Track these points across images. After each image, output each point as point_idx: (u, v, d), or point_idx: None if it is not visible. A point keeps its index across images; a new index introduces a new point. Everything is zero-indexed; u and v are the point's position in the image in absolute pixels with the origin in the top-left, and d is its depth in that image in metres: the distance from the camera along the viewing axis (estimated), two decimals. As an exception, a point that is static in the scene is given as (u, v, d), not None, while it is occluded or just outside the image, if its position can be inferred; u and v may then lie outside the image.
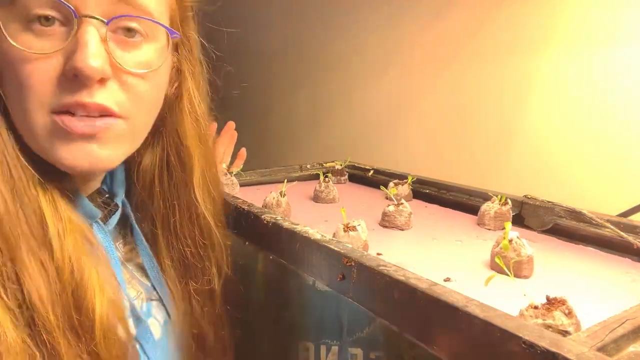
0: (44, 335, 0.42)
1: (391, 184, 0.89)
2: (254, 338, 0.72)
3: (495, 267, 0.55)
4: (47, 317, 0.43)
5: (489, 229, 0.72)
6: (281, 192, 0.76)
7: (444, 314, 0.40)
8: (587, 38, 0.93)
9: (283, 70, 1.86)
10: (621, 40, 0.89)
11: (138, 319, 0.55)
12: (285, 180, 0.84)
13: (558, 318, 0.39)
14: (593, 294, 0.51)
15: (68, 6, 0.43)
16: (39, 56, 0.43)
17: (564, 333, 0.38)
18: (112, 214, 0.57)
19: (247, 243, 0.71)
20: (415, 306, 0.43)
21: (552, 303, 0.40)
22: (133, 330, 0.53)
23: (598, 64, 0.92)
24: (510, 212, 0.72)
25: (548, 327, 0.38)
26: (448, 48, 1.21)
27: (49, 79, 0.44)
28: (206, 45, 0.62)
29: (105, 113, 0.46)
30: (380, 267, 0.47)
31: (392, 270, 0.46)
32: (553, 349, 0.33)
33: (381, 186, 0.88)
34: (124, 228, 0.60)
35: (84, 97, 0.44)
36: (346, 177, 1.05)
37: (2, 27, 0.43)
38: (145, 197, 0.60)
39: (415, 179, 0.90)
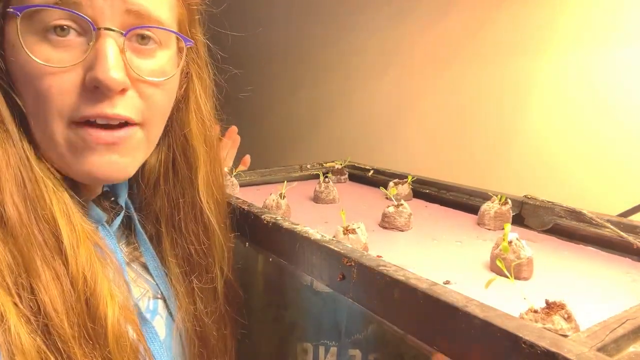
0: (59, 344, 0.43)
1: (391, 184, 0.89)
2: (253, 338, 0.72)
3: (495, 269, 0.55)
4: (61, 326, 0.43)
5: (489, 229, 0.72)
6: (281, 194, 0.76)
7: (444, 314, 0.40)
8: (587, 38, 0.94)
9: (283, 70, 1.86)
10: (621, 40, 0.89)
11: (144, 320, 0.55)
12: (285, 182, 0.84)
13: (557, 322, 0.39)
14: (593, 294, 0.51)
15: (86, 19, 0.43)
16: (58, 69, 0.44)
17: (563, 337, 0.38)
18: (116, 216, 0.57)
19: (247, 244, 0.71)
20: (415, 306, 0.43)
21: (552, 307, 0.40)
22: (142, 333, 0.54)
23: (598, 64, 0.92)
24: (510, 212, 0.72)
25: (547, 331, 0.38)
26: (448, 48, 1.21)
27: (68, 91, 0.44)
28: (212, 47, 0.62)
29: (125, 122, 0.47)
30: (380, 267, 0.47)
31: (392, 270, 0.46)
32: (553, 349, 0.33)
33: (381, 187, 0.88)
34: (127, 228, 0.61)
35: (105, 108, 0.45)
36: (346, 176, 1.05)
37: (22, 41, 0.43)
38: (150, 195, 0.61)
39: (415, 178, 0.90)
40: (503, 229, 0.57)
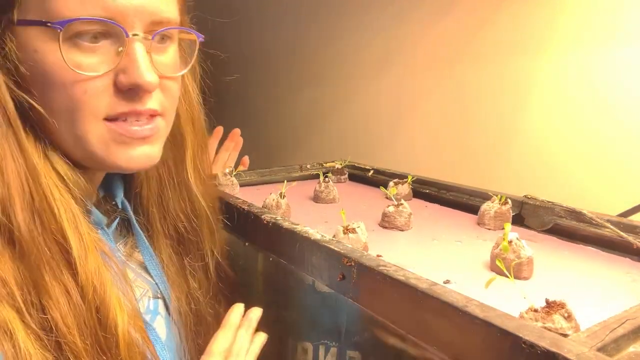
0: (71, 359, 0.44)
1: (391, 184, 0.89)
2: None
3: (495, 268, 0.55)
4: (73, 341, 0.44)
5: (489, 229, 0.72)
6: (281, 193, 0.76)
7: (444, 314, 0.40)
8: (587, 38, 0.94)
9: (284, 70, 1.86)
10: (621, 40, 0.89)
11: (145, 323, 0.55)
12: (285, 182, 0.84)
13: (557, 321, 0.39)
14: (593, 294, 0.51)
15: (121, 27, 0.46)
16: (93, 76, 0.46)
17: (564, 337, 0.38)
18: (115, 218, 0.58)
19: (246, 243, 0.71)
20: (415, 306, 0.43)
21: (552, 306, 0.40)
22: (149, 337, 0.54)
23: (598, 64, 0.92)
24: (510, 211, 0.72)
25: (547, 330, 0.38)
26: (448, 49, 1.21)
27: (102, 93, 0.47)
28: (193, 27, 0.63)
29: (153, 115, 0.51)
30: (380, 267, 0.47)
31: (392, 270, 0.46)
32: (553, 349, 0.33)
33: (381, 187, 0.88)
34: (123, 226, 0.61)
35: (137, 105, 0.49)
36: (346, 176, 1.05)
37: (62, 53, 0.44)
38: (142, 178, 0.62)
39: (415, 178, 0.90)
40: (503, 228, 0.57)
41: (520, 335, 0.34)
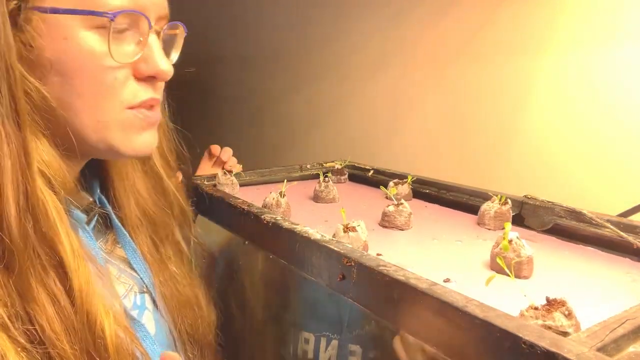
0: None
1: (391, 184, 0.89)
2: (254, 334, 0.72)
3: (495, 268, 0.55)
4: (62, 347, 0.43)
5: (489, 229, 0.72)
6: (281, 192, 0.76)
7: (444, 314, 0.40)
8: (587, 38, 0.94)
9: (284, 70, 1.86)
10: (621, 40, 0.89)
11: (132, 320, 0.55)
12: (285, 181, 0.84)
13: (558, 319, 0.39)
14: (593, 294, 0.51)
15: (147, 19, 0.50)
16: (120, 65, 0.49)
17: (564, 334, 0.38)
18: (94, 216, 0.57)
19: (246, 243, 0.71)
20: (415, 306, 0.43)
21: (552, 304, 0.40)
22: (137, 336, 0.54)
23: (598, 64, 0.92)
24: (510, 212, 0.72)
25: (548, 328, 0.38)
26: (448, 48, 1.21)
27: (126, 82, 0.50)
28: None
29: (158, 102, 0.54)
30: (380, 267, 0.47)
31: (392, 270, 0.46)
32: (553, 349, 0.33)
33: (381, 186, 0.88)
34: (102, 223, 0.61)
35: (156, 94, 0.53)
36: (346, 176, 1.05)
37: (110, 41, 0.47)
38: (114, 168, 0.62)
39: (415, 178, 0.90)
40: (503, 228, 0.57)
41: (520, 335, 0.34)
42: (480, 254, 0.61)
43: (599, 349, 0.35)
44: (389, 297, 0.45)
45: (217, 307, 0.71)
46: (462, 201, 0.82)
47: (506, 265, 0.51)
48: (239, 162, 1.01)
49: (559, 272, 0.57)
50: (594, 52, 0.93)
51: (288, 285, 0.66)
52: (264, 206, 0.75)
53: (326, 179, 0.89)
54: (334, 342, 0.58)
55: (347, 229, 0.60)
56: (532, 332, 0.35)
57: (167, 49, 0.57)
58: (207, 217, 0.83)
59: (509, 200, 0.73)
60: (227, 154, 1.00)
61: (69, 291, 0.45)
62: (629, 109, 0.89)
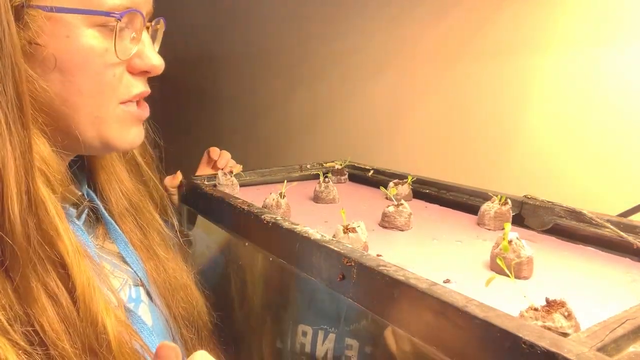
0: None
1: (391, 184, 0.89)
2: (252, 328, 0.72)
3: (495, 268, 0.55)
4: (63, 347, 0.43)
5: (489, 229, 0.72)
6: (281, 193, 0.76)
7: (444, 314, 0.40)
8: (587, 37, 0.94)
9: (283, 69, 1.86)
10: (621, 40, 0.89)
11: (129, 312, 0.55)
12: (285, 181, 0.84)
13: (557, 320, 0.39)
14: (593, 294, 0.51)
15: (143, 17, 0.52)
16: (119, 61, 0.51)
17: (564, 335, 0.38)
18: (83, 210, 0.58)
19: (246, 243, 0.71)
20: (415, 306, 0.43)
21: (552, 305, 0.40)
22: (134, 329, 0.54)
23: (598, 63, 0.92)
24: (510, 212, 0.72)
25: (547, 329, 0.38)
26: (448, 48, 1.21)
27: (122, 76, 0.52)
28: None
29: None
30: (380, 267, 0.47)
31: (392, 270, 0.46)
32: (553, 349, 0.33)
33: (381, 187, 0.88)
34: (92, 218, 0.61)
35: (146, 87, 0.55)
36: (346, 176, 1.05)
37: (116, 39, 0.49)
38: (97, 160, 0.63)
39: (415, 178, 0.90)
40: (503, 229, 0.57)
41: (520, 335, 0.34)
42: (480, 254, 0.61)
43: (599, 349, 0.35)
44: (389, 297, 0.45)
45: (202, 290, 0.72)
46: (462, 201, 0.82)
47: (506, 265, 0.51)
48: (238, 163, 1.01)
49: (559, 272, 0.57)
50: (594, 52, 0.93)
51: (286, 279, 0.66)
52: (264, 207, 0.75)
53: (326, 179, 0.89)
54: (331, 336, 0.58)
55: (347, 229, 0.60)
56: (532, 332, 0.35)
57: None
58: (207, 217, 0.83)
59: (509, 200, 0.73)
60: (224, 159, 0.99)
61: (71, 290, 0.45)
62: (629, 109, 0.89)
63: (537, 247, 0.63)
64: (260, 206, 0.72)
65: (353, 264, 0.49)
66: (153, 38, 0.58)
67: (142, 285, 0.61)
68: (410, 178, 0.90)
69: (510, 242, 0.54)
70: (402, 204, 0.72)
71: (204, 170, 1.00)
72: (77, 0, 0.48)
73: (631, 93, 0.88)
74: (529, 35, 1.02)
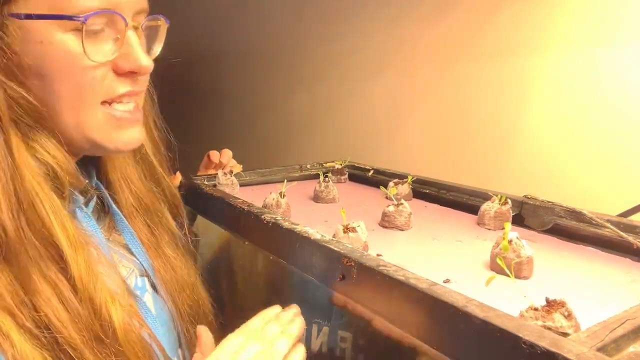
0: (70, 353, 0.44)
1: (391, 184, 0.89)
2: (248, 312, 0.72)
3: (495, 268, 0.55)
4: (69, 335, 0.44)
5: (489, 229, 0.72)
6: (281, 192, 0.76)
7: (444, 314, 0.40)
8: (587, 38, 0.94)
9: (283, 69, 1.86)
10: (621, 40, 0.89)
11: (135, 297, 0.56)
12: (285, 181, 0.84)
13: (557, 320, 0.39)
14: (593, 294, 0.51)
15: (123, 18, 0.50)
16: (98, 64, 0.49)
17: (564, 335, 0.38)
18: (91, 198, 0.58)
19: (246, 243, 0.71)
20: (415, 306, 0.43)
21: (552, 305, 0.40)
22: (142, 316, 0.55)
23: (598, 63, 0.92)
24: (510, 211, 0.72)
25: (548, 329, 0.38)
26: (448, 48, 1.21)
27: (104, 79, 0.51)
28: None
29: (139, 96, 0.55)
30: (380, 267, 0.47)
31: (392, 270, 0.46)
32: (553, 349, 0.33)
33: (381, 186, 0.88)
34: (100, 209, 0.62)
35: (135, 87, 0.54)
36: (346, 176, 1.05)
37: (84, 45, 0.48)
38: (107, 159, 0.63)
39: (415, 178, 0.90)
40: (503, 228, 0.57)
41: (520, 335, 0.34)
42: (480, 254, 0.61)
43: (599, 349, 0.35)
44: (389, 297, 0.45)
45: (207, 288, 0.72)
46: (462, 201, 0.82)
47: (506, 265, 0.51)
48: (238, 163, 1.01)
49: (559, 272, 0.57)
50: (594, 52, 0.93)
51: (278, 275, 0.66)
52: (264, 207, 0.75)
53: (326, 179, 0.89)
54: (325, 329, 0.58)
55: (347, 229, 0.60)
56: (532, 332, 0.35)
57: (149, 42, 0.58)
58: (207, 217, 0.83)
59: (509, 200, 0.73)
60: (226, 156, 0.99)
61: (70, 280, 0.46)
62: (629, 109, 0.89)
63: (537, 247, 0.63)
64: (260, 206, 0.72)
65: (353, 264, 0.49)
66: (150, 36, 0.56)
67: (147, 275, 0.62)
68: (410, 178, 0.90)
69: (510, 242, 0.54)
70: (402, 204, 0.72)
71: (204, 173, 1.00)
72: (48, 5, 0.47)
73: (631, 93, 0.88)
74: (528, 36, 1.02)
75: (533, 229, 0.72)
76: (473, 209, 0.78)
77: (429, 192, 0.89)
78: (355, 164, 1.07)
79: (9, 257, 0.43)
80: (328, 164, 1.09)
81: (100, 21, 0.49)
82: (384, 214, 0.72)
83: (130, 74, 0.52)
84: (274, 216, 0.64)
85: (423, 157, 1.30)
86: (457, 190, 0.84)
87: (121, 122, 0.53)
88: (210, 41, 2.21)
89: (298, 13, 1.74)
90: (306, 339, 0.60)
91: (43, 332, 0.43)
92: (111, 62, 0.51)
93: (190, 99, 2.42)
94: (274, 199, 0.75)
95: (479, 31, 1.13)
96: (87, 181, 0.58)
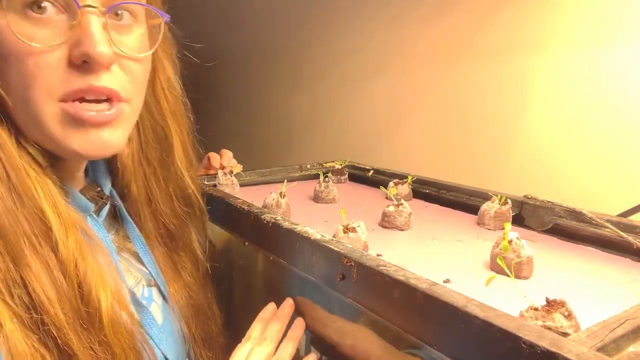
0: (54, 333, 0.43)
1: (391, 184, 0.89)
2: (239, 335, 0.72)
3: (495, 268, 0.55)
4: (56, 315, 0.43)
5: (489, 229, 0.72)
6: (281, 192, 0.76)
7: (444, 314, 0.40)
8: (587, 38, 0.94)
9: (283, 69, 1.86)
10: (621, 40, 0.89)
11: (140, 307, 0.56)
12: (285, 181, 0.84)
13: (558, 320, 0.39)
14: (593, 294, 0.51)
15: (76, 3, 0.44)
16: (45, 48, 0.44)
17: (564, 335, 0.38)
18: (103, 206, 0.58)
19: (246, 243, 0.71)
20: (415, 306, 0.43)
21: (552, 305, 0.40)
22: (137, 317, 0.54)
23: (598, 63, 0.92)
24: (510, 212, 0.72)
25: (548, 329, 0.38)
26: (448, 48, 1.21)
27: (56, 69, 0.45)
28: (173, 27, 0.62)
29: (112, 96, 0.48)
30: (380, 267, 0.47)
31: (392, 270, 0.46)
32: (553, 349, 0.33)
33: (381, 186, 0.88)
34: (113, 217, 0.61)
35: (93, 81, 0.46)
36: (346, 176, 1.05)
37: (7, 20, 0.43)
38: (127, 177, 0.61)
39: (415, 178, 0.90)
40: (503, 228, 0.57)
41: (520, 335, 0.34)
42: (480, 254, 0.61)
43: (599, 349, 0.35)
44: (389, 297, 0.45)
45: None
46: (462, 201, 0.82)
47: (506, 265, 0.51)
48: (239, 163, 1.01)
49: (559, 272, 0.57)
50: (594, 52, 0.93)
51: (273, 284, 0.66)
52: (264, 207, 0.75)
53: (326, 179, 0.89)
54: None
55: (347, 229, 0.60)
56: (532, 332, 0.35)
57: (151, 40, 0.53)
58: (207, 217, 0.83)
59: (509, 200, 0.73)
60: (227, 157, 0.99)
61: (59, 260, 0.45)
62: (629, 109, 0.89)
63: (537, 247, 0.63)
64: (260, 206, 0.72)
65: (353, 264, 0.49)
66: (120, 30, 0.49)
67: (156, 285, 0.61)
68: (410, 178, 0.90)
69: (510, 242, 0.54)
70: (402, 204, 0.72)
71: (204, 173, 0.99)
72: None
73: (631, 93, 0.88)
74: (528, 36, 1.02)
75: (533, 229, 0.72)
76: (473, 209, 0.78)
77: (429, 192, 0.89)
78: (355, 164, 1.07)
79: (1, 227, 0.42)
80: (328, 164, 1.09)
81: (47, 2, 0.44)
82: (384, 214, 0.72)
83: (85, 65, 0.45)
84: (274, 216, 0.64)
85: (423, 157, 1.30)
86: (457, 190, 0.84)
87: (79, 122, 0.46)
88: (210, 41, 2.21)
89: (298, 13, 1.74)
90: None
91: (31, 314, 0.42)
92: (67, 50, 0.45)
93: (191, 99, 2.41)
94: (274, 199, 0.75)
95: (479, 31, 1.13)
96: (99, 188, 0.58)
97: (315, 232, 0.57)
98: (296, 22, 1.76)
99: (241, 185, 0.93)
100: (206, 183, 0.87)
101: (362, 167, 1.05)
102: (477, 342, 0.38)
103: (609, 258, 0.62)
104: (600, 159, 0.93)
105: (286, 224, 0.60)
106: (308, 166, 1.08)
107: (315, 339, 0.59)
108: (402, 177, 0.92)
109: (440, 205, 0.85)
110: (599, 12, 0.91)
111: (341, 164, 1.06)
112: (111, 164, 0.61)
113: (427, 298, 0.41)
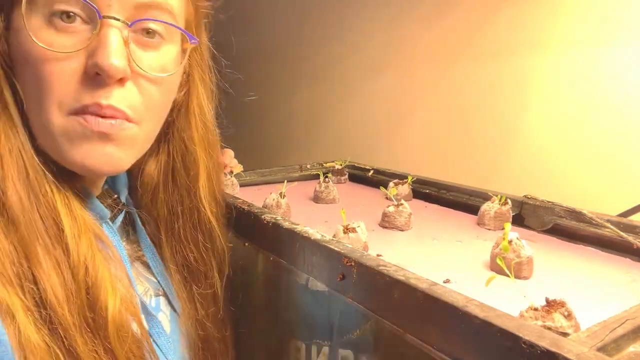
0: (61, 333, 0.43)
1: (391, 184, 0.89)
2: (250, 337, 0.72)
3: (495, 268, 0.55)
4: (63, 315, 0.43)
5: (489, 229, 0.72)
6: (281, 193, 0.76)
7: (444, 314, 0.40)
8: (587, 38, 0.94)
9: (283, 70, 1.86)
10: (621, 40, 0.89)
11: (149, 315, 0.56)
12: (285, 181, 0.84)
13: (557, 320, 0.39)
14: (593, 294, 0.51)
15: (93, 6, 0.43)
16: (61, 55, 0.43)
17: (564, 335, 0.38)
18: (118, 213, 0.57)
19: (246, 243, 0.71)
20: (415, 306, 0.43)
21: (552, 305, 0.40)
22: (146, 326, 0.54)
23: (598, 63, 0.92)
24: (510, 212, 0.72)
25: (547, 329, 0.38)
26: (448, 48, 1.21)
27: (69, 78, 0.44)
28: (216, 53, 0.61)
29: (116, 117, 0.46)
30: (380, 267, 0.47)
31: (392, 270, 0.46)
32: (553, 349, 0.32)
33: (381, 187, 0.88)
34: (127, 225, 0.61)
35: (101, 98, 0.44)
36: (346, 177, 1.05)
37: (25, 24, 0.43)
38: (149, 202, 0.60)
39: (415, 178, 0.90)
40: (503, 228, 0.57)
41: (520, 335, 0.34)
42: (480, 254, 0.61)
43: (599, 349, 0.35)
44: (389, 297, 0.45)
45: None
46: (462, 201, 0.82)
47: (506, 265, 0.51)
48: (239, 163, 1.01)
49: (559, 272, 0.57)
50: (594, 52, 0.93)
51: (277, 295, 0.66)
52: (264, 207, 0.75)
53: (326, 179, 0.89)
54: (325, 349, 0.58)
55: (347, 230, 0.60)
56: (532, 332, 0.35)
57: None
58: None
59: (509, 200, 0.73)
60: (228, 156, 0.99)
61: (70, 263, 0.45)
62: (629, 109, 0.89)
63: (537, 247, 0.63)
64: (260, 206, 0.72)
65: (353, 264, 0.49)
66: (144, 45, 0.48)
67: (164, 295, 0.60)
68: (410, 178, 0.90)
69: (510, 242, 0.54)
70: (402, 204, 0.72)
71: None
72: None
73: (631, 93, 0.88)
74: (528, 36, 1.02)
75: (533, 229, 0.72)
76: (473, 209, 0.78)
77: (429, 192, 0.89)
78: (355, 164, 1.07)
79: (14, 223, 0.43)
80: (328, 164, 1.09)
81: (67, 8, 0.43)
82: (384, 214, 0.72)
83: (98, 78, 0.44)
84: (274, 216, 0.64)
85: (423, 157, 1.30)
86: (457, 190, 0.84)
87: (84, 135, 0.45)
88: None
89: (298, 13, 1.74)
90: (306, 360, 0.60)
91: (40, 310, 0.42)
92: (84, 60, 0.44)
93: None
94: (274, 199, 0.75)
95: (479, 31, 1.13)
96: (115, 196, 0.57)
97: (315, 232, 0.57)
98: (296, 22, 1.76)
99: (241, 186, 0.93)
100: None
101: (362, 167, 1.05)
102: (477, 342, 0.38)
103: (609, 258, 0.62)
104: (600, 159, 0.93)
105: (286, 224, 0.60)
106: (308, 166, 1.08)
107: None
108: (402, 177, 0.92)
109: (440, 205, 0.85)
110: (599, 12, 0.91)
111: (341, 164, 1.06)
112: (134, 181, 0.60)
113: (427, 298, 0.41)
